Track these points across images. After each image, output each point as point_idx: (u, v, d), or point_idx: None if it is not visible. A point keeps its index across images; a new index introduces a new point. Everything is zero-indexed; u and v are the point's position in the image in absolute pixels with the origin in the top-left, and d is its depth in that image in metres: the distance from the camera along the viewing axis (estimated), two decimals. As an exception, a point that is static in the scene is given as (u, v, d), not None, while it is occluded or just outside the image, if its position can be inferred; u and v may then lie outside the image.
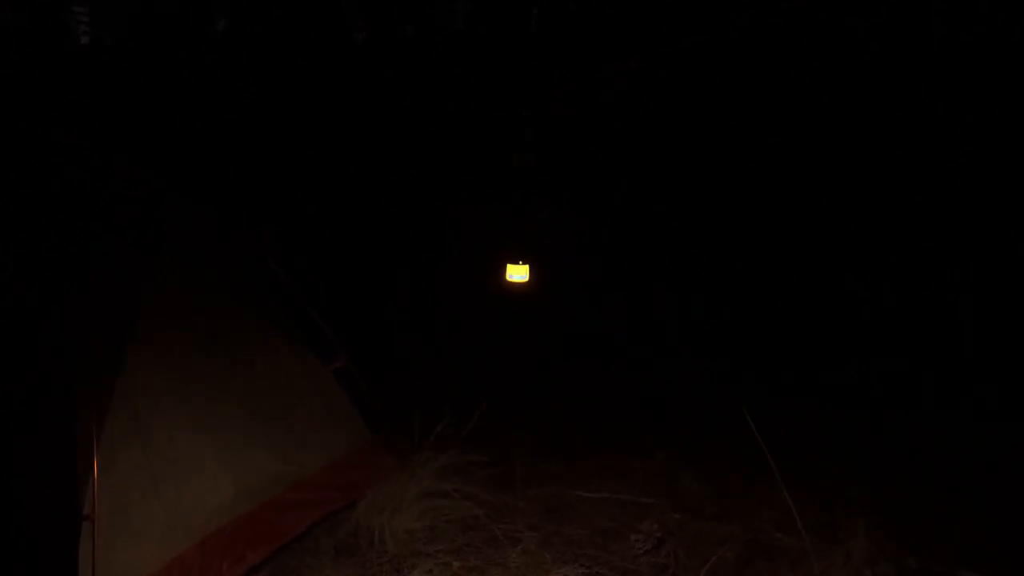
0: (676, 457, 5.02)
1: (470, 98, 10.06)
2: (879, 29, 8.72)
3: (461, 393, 4.86)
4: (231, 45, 10.83)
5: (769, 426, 4.21)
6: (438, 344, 6.80)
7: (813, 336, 7.23)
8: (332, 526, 4.19)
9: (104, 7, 11.23)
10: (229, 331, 4.12)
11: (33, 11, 10.30)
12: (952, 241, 8.02)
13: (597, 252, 8.69)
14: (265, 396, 4.13)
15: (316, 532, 4.14)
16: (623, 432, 5.43)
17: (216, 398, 3.93)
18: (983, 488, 4.66)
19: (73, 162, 4.06)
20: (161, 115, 9.05)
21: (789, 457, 4.32)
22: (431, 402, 4.87)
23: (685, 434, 5.38)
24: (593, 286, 8.23)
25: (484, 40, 11.15)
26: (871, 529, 3.89)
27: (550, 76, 10.36)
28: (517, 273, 5.41)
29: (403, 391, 5.23)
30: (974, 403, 5.84)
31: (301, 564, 3.95)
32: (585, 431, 5.46)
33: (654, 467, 4.92)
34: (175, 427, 3.73)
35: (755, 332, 7.47)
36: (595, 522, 4.29)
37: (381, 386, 4.74)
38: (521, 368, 6.44)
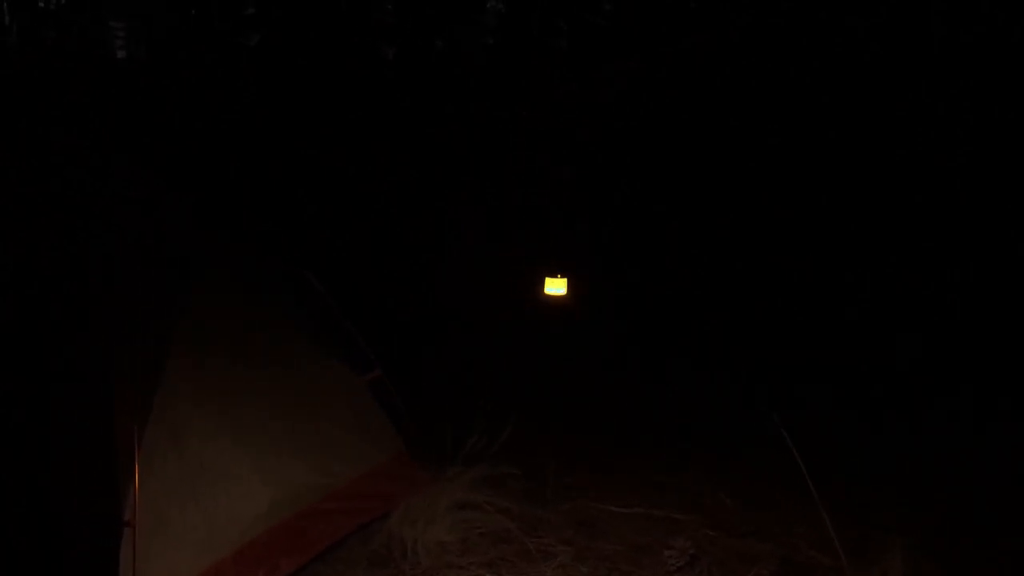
0: (708, 472, 5.02)
1: (486, 102, 10.02)
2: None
3: (493, 406, 4.84)
4: (261, 57, 10.78)
5: (800, 440, 4.22)
6: (469, 356, 6.77)
7: (839, 345, 7.25)
8: (365, 537, 4.17)
9: (141, 22, 11.20)
10: (264, 341, 4.11)
11: (70, 26, 10.28)
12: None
13: (627, 264, 8.69)
14: (300, 406, 4.11)
15: (349, 542, 4.12)
16: (654, 446, 5.44)
17: (252, 408, 3.92)
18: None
19: (108, 175, 4.05)
20: (183, 124, 9.00)
21: (821, 473, 4.31)
22: (463, 414, 4.85)
23: (716, 449, 5.38)
24: (624, 298, 8.22)
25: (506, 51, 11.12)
26: (908, 549, 3.89)
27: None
28: (555, 286, 5.40)
29: (435, 403, 5.24)
30: (1012, 418, 5.84)
31: (334, 574, 3.95)
32: (616, 445, 5.46)
33: (686, 482, 4.91)
34: (212, 436, 3.73)
35: (781, 340, 7.49)
36: (628, 538, 4.28)
37: (413, 397, 4.74)
38: (553, 381, 6.42)
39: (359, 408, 4.42)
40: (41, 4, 10.48)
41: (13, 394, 3.42)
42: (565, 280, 5.42)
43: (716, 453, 5.32)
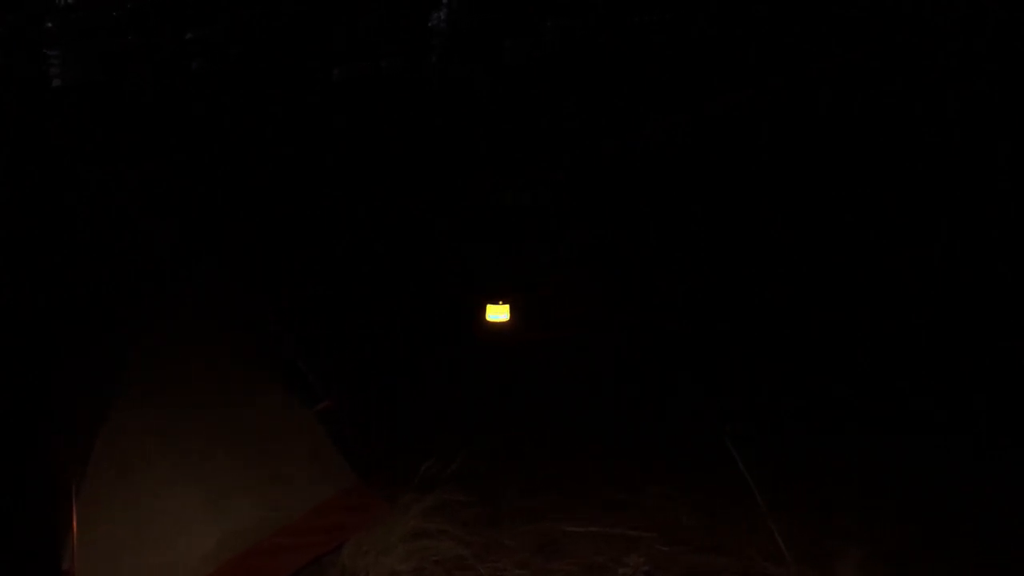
0: (665, 488, 4.98)
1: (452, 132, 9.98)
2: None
3: (447, 432, 4.81)
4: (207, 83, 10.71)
5: (759, 454, 4.25)
6: (421, 383, 6.71)
7: (796, 358, 7.28)
8: (318, 570, 4.12)
9: (76, 50, 11.12)
10: (214, 377, 4.07)
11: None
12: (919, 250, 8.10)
13: (588, 286, 8.61)
14: (250, 441, 4.08)
15: (302, 577, 4.07)
16: (611, 465, 5.38)
17: (201, 445, 3.90)
18: (977, 515, 4.64)
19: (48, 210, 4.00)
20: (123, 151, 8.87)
21: (779, 485, 4.36)
22: (417, 442, 4.82)
23: (674, 465, 5.35)
24: (581, 321, 8.16)
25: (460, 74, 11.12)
26: (863, 558, 3.92)
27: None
28: (497, 313, 5.37)
29: (387, 431, 5.19)
30: (968, 427, 5.86)
31: (287, 610, 3.90)
32: (573, 466, 5.39)
33: (643, 499, 4.88)
34: (160, 476, 3.71)
35: (735, 352, 7.52)
36: (584, 557, 4.25)
37: (366, 427, 4.70)
38: (505, 405, 6.38)
39: (310, 440, 4.37)
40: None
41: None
42: (507, 307, 5.40)
43: (673, 469, 5.29)
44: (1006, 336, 6.97)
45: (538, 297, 6.07)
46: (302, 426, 4.35)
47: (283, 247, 8.23)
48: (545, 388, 6.79)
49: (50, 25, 11.29)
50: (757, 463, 4.08)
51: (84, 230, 4.13)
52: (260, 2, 11.09)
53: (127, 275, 4.03)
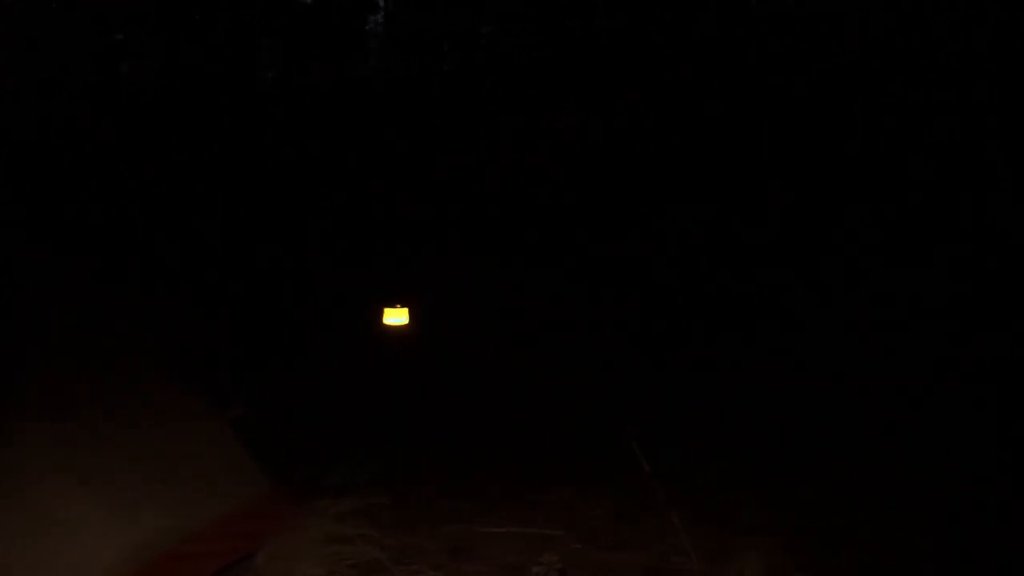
0: (581, 488, 5.07)
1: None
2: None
3: (361, 437, 4.80)
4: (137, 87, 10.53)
5: (665, 454, 4.31)
6: (335, 388, 6.69)
7: (706, 352, 7.37)
8: (231, 577, 4.10)
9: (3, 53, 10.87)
10: (119, 384, 4.02)
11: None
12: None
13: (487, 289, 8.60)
14: (159, 450, 4.02)
15: (214, 585, 4.04)
16: (525, 467, 5.47)
17: (104, 454, 3.83)
18: (881, 509, 4.78)
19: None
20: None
21: (685, 483, 4.42)
22: (331, 446, 4.81)
23: (585, 467, 5.43)
24: (484, 320, 8.16)
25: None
26: (766, 548, 4.00)
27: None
28: (395, 316, 5.38)
29: (301, 437, 5.17)
30: (879, 418, 6.05)
31: (200, 619, 3.87)
32: (487, 468, 5.47)
33: (559, 499, 4.95)
34: (57, 486, 3.62)
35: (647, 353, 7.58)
36: (498, 557, 4.30)
37: (279, 433, 4.68)
38: (420, 409, 6.39)
39: (223, 447, 4.34)
40: None
41: None
42: (406, 310, 5.41)
43: (585, 470, 5.38)
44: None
45: (442, 301, 6.07)
46: (214, 433, 4.32)
47: (194, 257, 8.15)
48: (459, 392, 6.82)
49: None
50: (663, 463, 4.15)
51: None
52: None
53: (25, 278, 3.96)
